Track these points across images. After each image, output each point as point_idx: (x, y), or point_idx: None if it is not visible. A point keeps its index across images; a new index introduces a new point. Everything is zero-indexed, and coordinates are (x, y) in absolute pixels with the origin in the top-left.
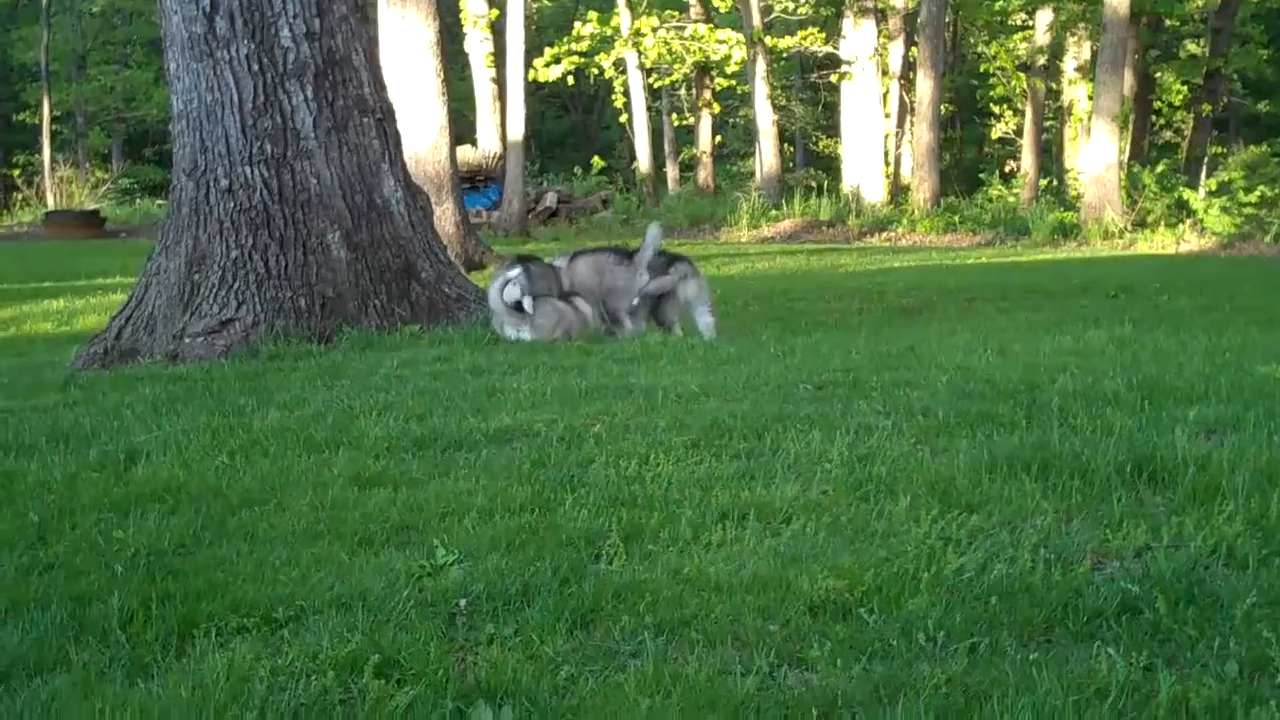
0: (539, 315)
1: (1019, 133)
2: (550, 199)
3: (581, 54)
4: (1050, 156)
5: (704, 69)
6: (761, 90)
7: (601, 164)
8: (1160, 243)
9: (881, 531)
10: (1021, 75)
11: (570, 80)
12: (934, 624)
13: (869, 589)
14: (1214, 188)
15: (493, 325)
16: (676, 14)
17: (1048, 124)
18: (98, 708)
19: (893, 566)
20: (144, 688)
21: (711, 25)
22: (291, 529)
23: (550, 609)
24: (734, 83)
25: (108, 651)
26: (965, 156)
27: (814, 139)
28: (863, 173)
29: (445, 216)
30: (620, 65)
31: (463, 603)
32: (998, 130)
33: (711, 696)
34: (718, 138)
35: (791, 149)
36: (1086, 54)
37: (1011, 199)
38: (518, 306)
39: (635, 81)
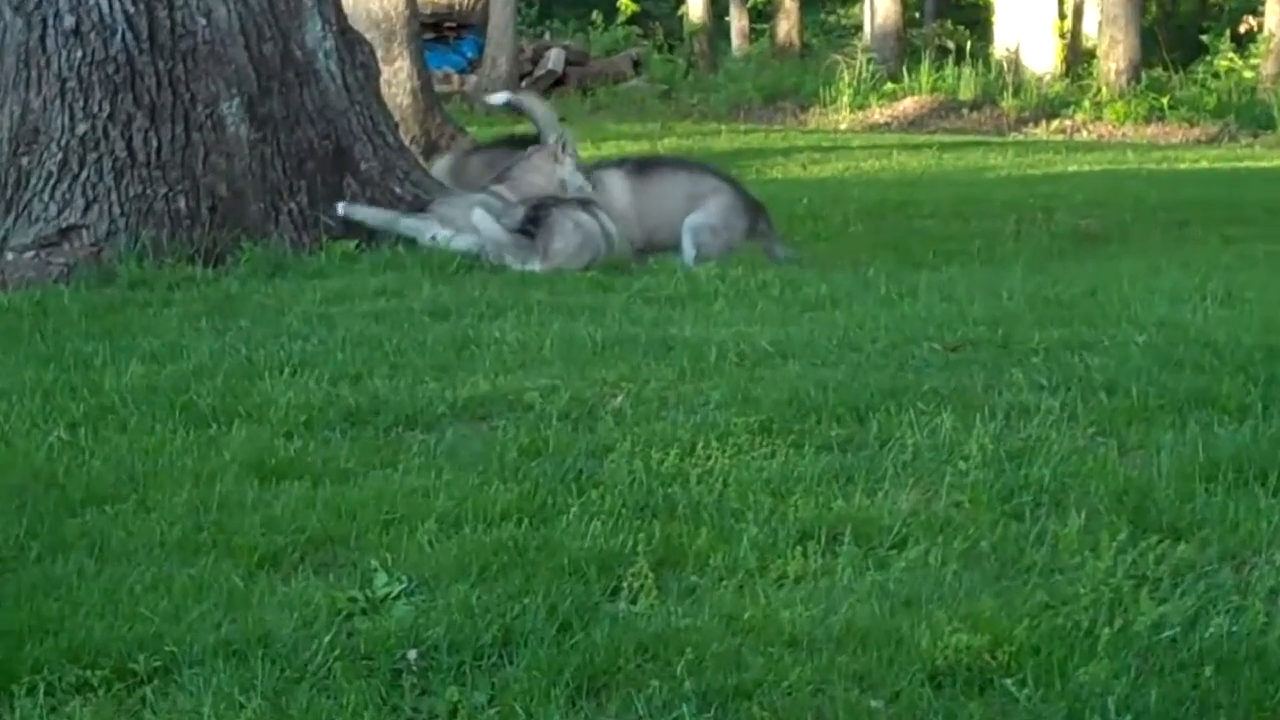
0: (555, 236)
1: None
2: (554, 59)
3: None
4: None
5: None
6: None
7: (632, 8)
8: None
9: (1041, 565)
10: None
11: None
12: (1117, 704)
13: (1020, 650)
14: None
15: (477, 250)
16: None
17: None
18: None
19: (1056, 617)
20: None
21: None
22: (160, 539)
23: (543, 667)
24: None
25: None
26: (1180, 8)
27: None
28: (1025, 29)
29: (398, 80)
30: None
31: (412, 655)
32: None
33: None
34: None
35: None
36: None
37: (1248, 74)
38: (523, 230)
39: None
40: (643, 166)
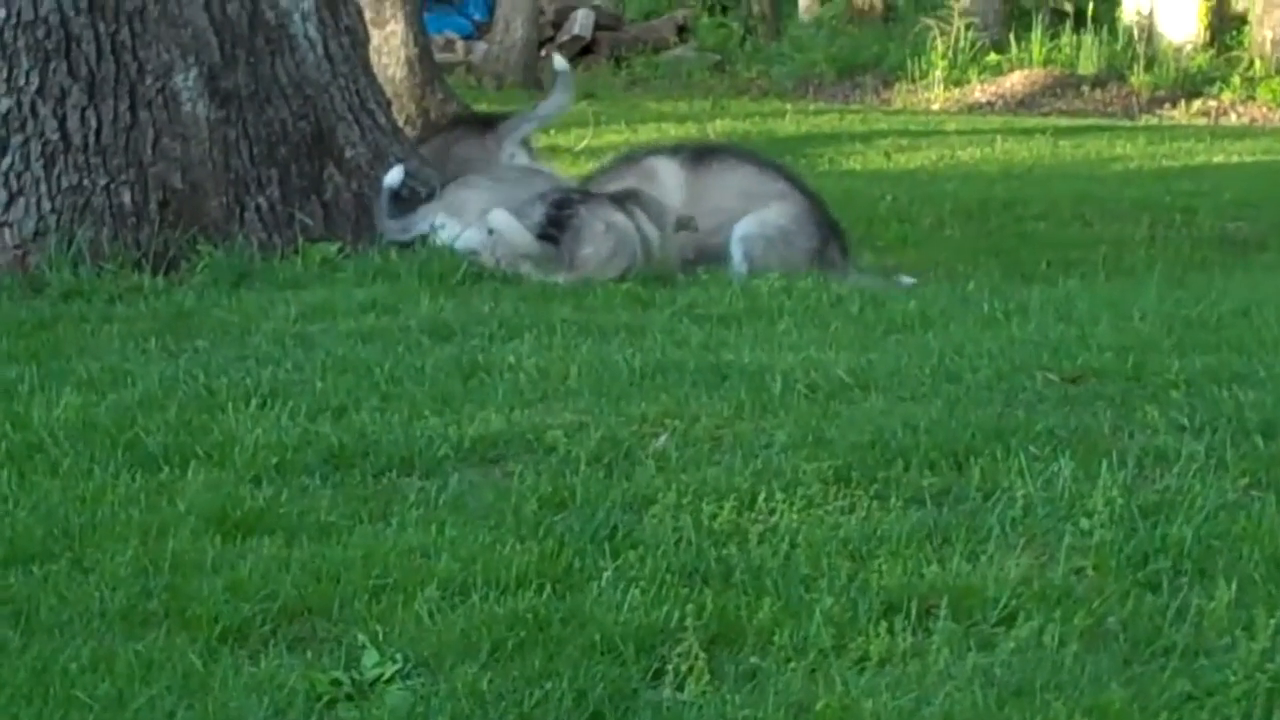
0: (584, 241)
1: None
2: (582, 22)
3: None
4: None
5: None
6: None
7: None
8: None
9: (1183, 647)
10: None
11: None
12: None
13: None
14: None
15: (488, 257)
16: None
17: None
18: None
19: (1201, 711)
20: None
21: None
22: (100, 607)
23: None
24: None
25: None
26: None
27: None
28: None
29: (390, 47)
30: None
31: None
32: None
33: None
34: None
35: None
36: None
37: None
38: (545, 235)
39: None
40: (701, 155)
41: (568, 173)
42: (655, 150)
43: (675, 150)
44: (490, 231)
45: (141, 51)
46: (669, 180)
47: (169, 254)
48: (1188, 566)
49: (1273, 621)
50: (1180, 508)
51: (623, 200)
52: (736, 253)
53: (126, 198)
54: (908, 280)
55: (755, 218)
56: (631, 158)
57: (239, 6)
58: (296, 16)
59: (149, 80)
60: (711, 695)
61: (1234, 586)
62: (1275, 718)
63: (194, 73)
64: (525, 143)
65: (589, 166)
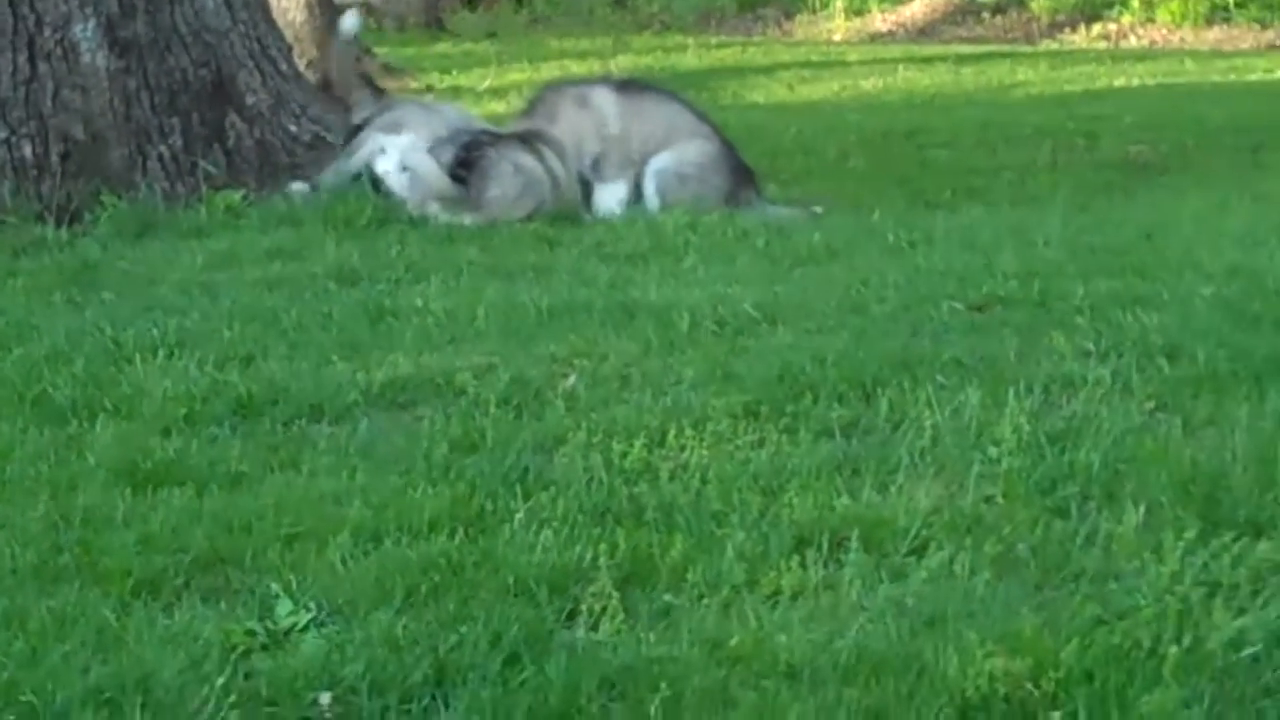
0: (491, 182)
1: None
2: None
3: None
4: None
5: None
6: None
7: None
8: None
9: (1092, 572)
10: None
11: None
12: None
13: (1069, 676)
14: None
15: (402, 200)
16: None
17: None
18: None
19: (1112, 635)
20: None
21: None
22: (12, 563)
23: (486, 710)
24: None
25: None
26: None
27: None
28: None
29: None
30: None
31: (325, 699)
32: None
33: None
34: None
35: None
36: None
37: None
38: (453, 176)
39: None
40: (635, 85)
41: (474, 111)
42: (588, 80)
43: (606, 79)
44: (405, 169)
45: (39, 3)
46: (605, 107)
47: (72, 206)
48: (1095, 492)
49: (1180, 544)
50: (1087, 433)
51: (531, 140)
52: (650, 186)
53: (27, 150)
54: (817, 210)
55: (673, 153)
56: (562, 89)
57: None
58: None
59: (47, 32)
60: (626, 634)
61: (1142, 510)
62: (1184, 639)
63: (92, 23)
64: None
65: (493, 106)
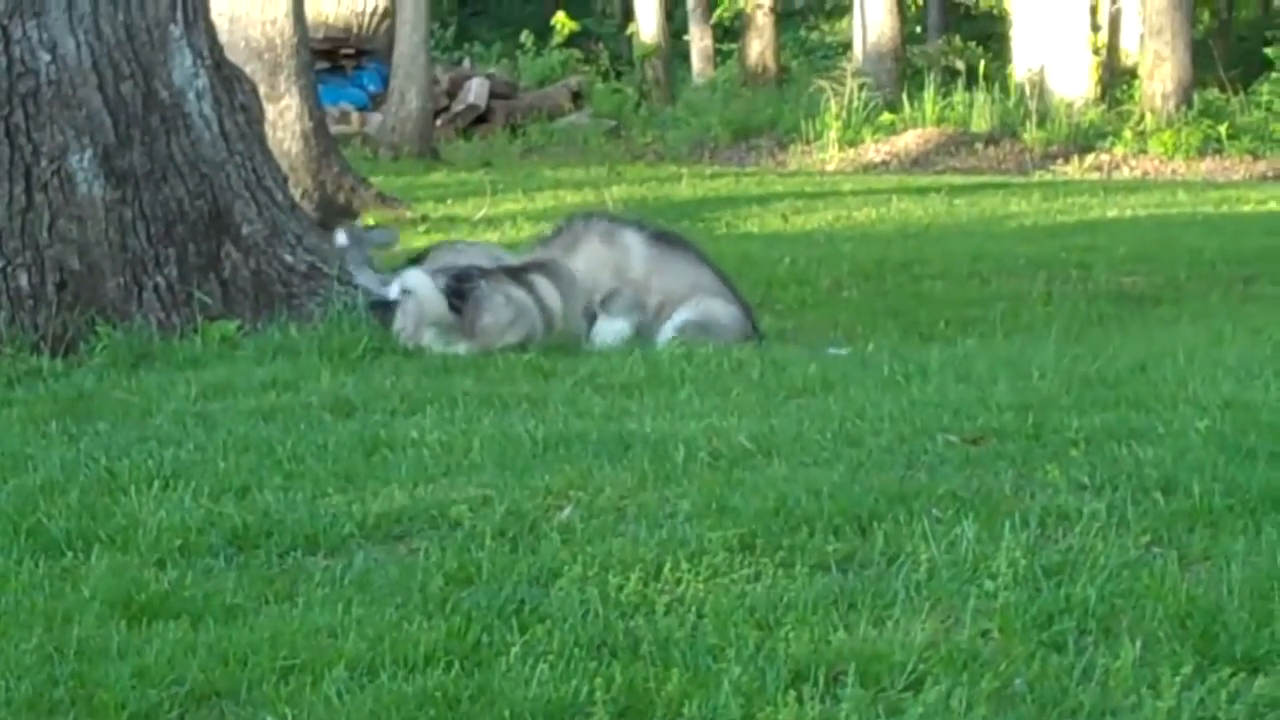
0: (484, 311)
1: None
2: (476, 91)
3: None
4: None
5: None
6: None
7: (570, 27)
8: None
9: (1089, 708)
10: None
11: None
12: None
13: None
14: None
15: (396, 331)
16: None
17: None
18: None
19: None
20: None
21: None
22: (6, 696)
23: None
24: None
25: None
26: (1238, 16)
27: None
28: (1051, 45)
29: (285, 122)
30: None
31: None
32: None
33: None
34: None
35: (920, 1)
36: None
37: None
38: (452, 306)
39: None
40: (665, 238)
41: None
42: (623, 220)
43: (642, 226)
44: (404, 292)
45: (35, 134)
46: (633, 249)
47: (67, 335)
48: (1092, 626)
49: (1178, 679)
50: (1083, 567)
51: (520, 274)
52: (670, 332)
53: (24, 280)
54: (841, 352)
55: (699, 306)
56: (592, 221)
57: (133, 86)
58: (191, 95)
59: (44, 162)
60: None
61: (1138, 645)
62: None
63: (89, 153)
64: None
65: (488, 235)
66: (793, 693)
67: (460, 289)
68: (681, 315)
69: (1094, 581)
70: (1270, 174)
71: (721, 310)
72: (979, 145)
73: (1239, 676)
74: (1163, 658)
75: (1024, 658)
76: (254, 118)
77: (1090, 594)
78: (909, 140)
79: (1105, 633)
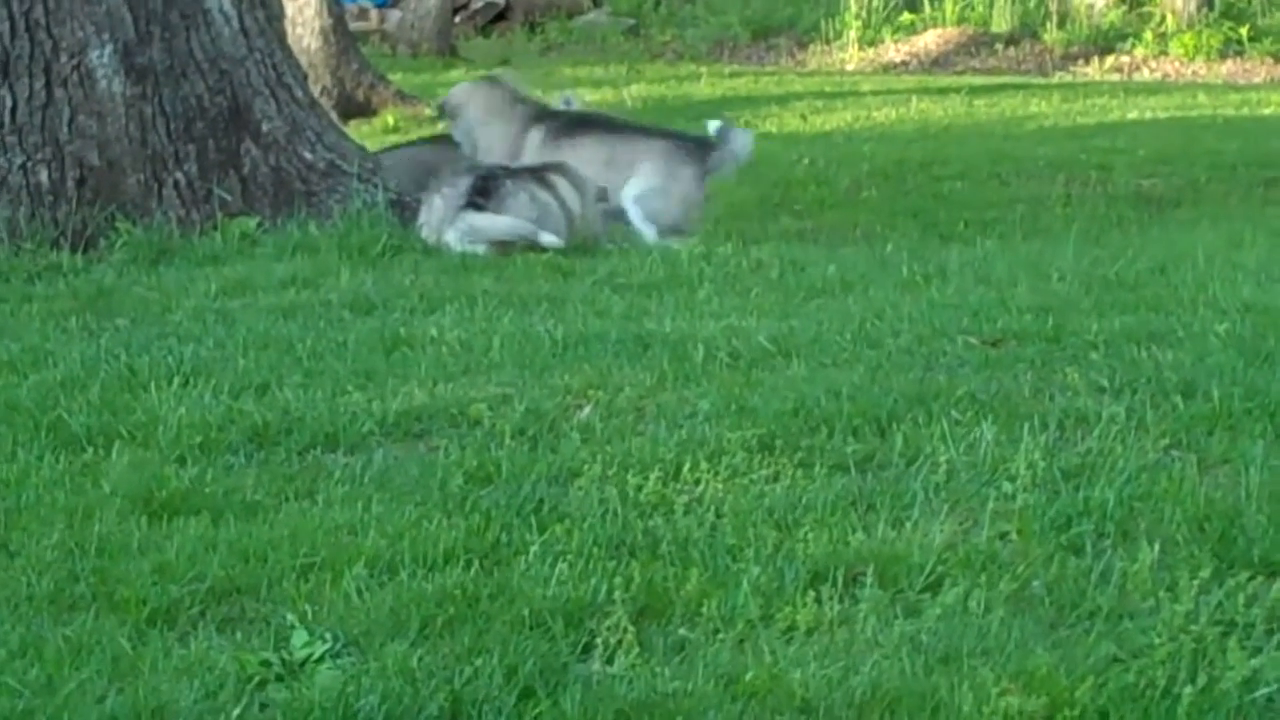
0: (509, 210)
1: None
2: None
3: None
4: None
5: None
6: None
7: None
8: None
9: (1107, 610)
10: None
11: None
12: None
13: (1084, 714)
14: None
15: (417, 227)
16: None
17: None
18: None
19: (1127, 674)
20: None
21: None
22: (28, 591)
23: None
24: None
25: None
26: None
27: None
28: None
29: (304, 19)
30: None
31: None
32: None
33: None
34: None
35: None
36: None
37: None
38: (471, 203)
39: None
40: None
41: None
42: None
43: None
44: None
45: (56, 29)
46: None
47: (87, 232)
48: (1110, 529)
49: (1195, 582)
50: (1102, 470)
51: (543, 173)
52: (635, 218)
53: (44, 176)
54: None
55: (634, 181)
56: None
57: None
58: None
59: (64, 58)
60: (641, 668)
61: (1156, 548)
62: (1199, 679)
63: (109, 49)
64: None
65: None
66: (811, 593)
67: (485, 186)
68: (630, 194)
69: (1112, 484)
70: None
71: (650, 169)
72: (999, 46)
73: (1256, 580)
74: (1180, 561)
75: (1042, 560)
76: (273, 15)
77: (1109, 497)
78: (929, 40)
79: (1123, 536)
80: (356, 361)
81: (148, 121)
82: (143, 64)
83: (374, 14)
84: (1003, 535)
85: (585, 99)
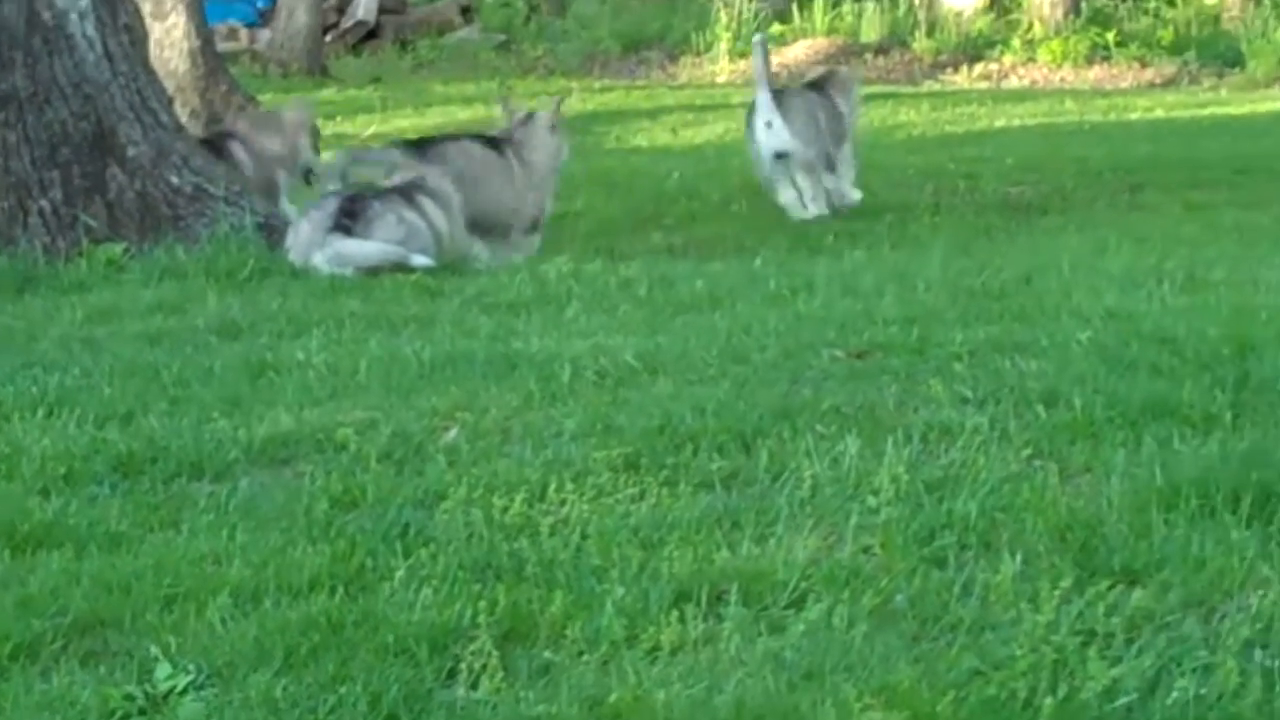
0: (376, 231)
1: None
2: (365, 7)
3: None
4: None
5: None
6: None
7: None
8: None
9: (969, 622)
10: None
11: None
12: None
13: None
14: None
15: (285, 250)
16: None
17: None
18: None
19: (989, 686)
20: None
21: None
22: None
23: None
24: None
25: None
26: None
27: None
28: None
29: (171, 40)
30: None
31: None
32: None
33: None
34: None
35: None
36: None
37: (1210, 2)
38: (339, 226)
39: None
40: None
41: None
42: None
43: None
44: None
45: None
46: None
47: None
48: (973, 541)
49: (1056, 593)
50: (964, 482)
51: (411, 193)
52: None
53: None
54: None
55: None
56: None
57: (15, 7)
58: (74, 16)
59: None
60: (505, 692)
61: (1018, 559)
62: (1060, 690)
63: None
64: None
65: None
66: (675, 612)
67: (351, 208)
68: None
69: (975, 496)
70: (1157, 81)
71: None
72: (869, 55)
73: (1117, 589)
74: (1042, 571)
75: (905, 574)
76: (137, 38)
77: (971, 509)
78: (799, 51)
79: (985, 547)
80: (223, 388)
81: (11, 148)
82: (5, 90)
83: (244, 34)
84: (866, 550)
85: (457, 116)
